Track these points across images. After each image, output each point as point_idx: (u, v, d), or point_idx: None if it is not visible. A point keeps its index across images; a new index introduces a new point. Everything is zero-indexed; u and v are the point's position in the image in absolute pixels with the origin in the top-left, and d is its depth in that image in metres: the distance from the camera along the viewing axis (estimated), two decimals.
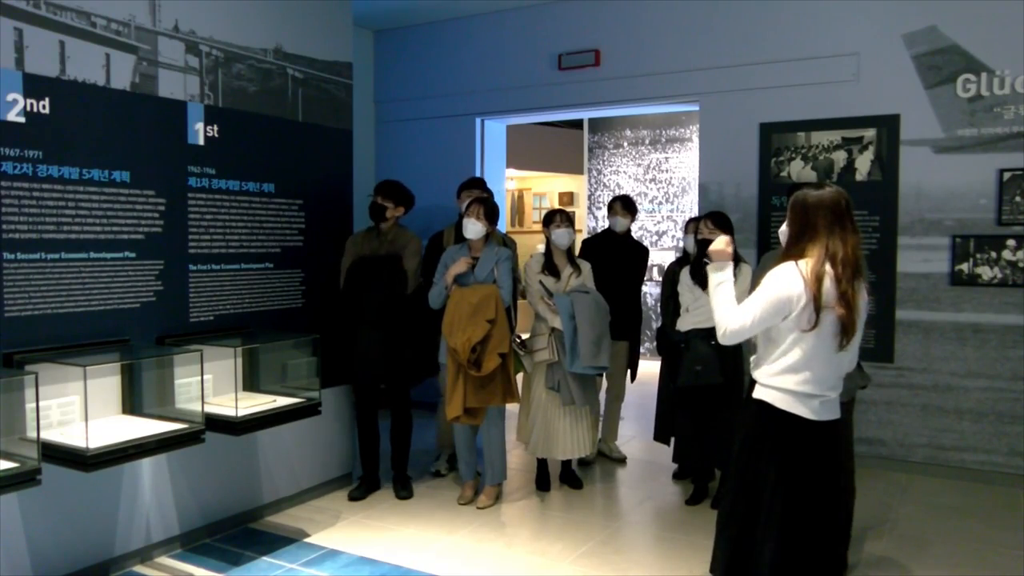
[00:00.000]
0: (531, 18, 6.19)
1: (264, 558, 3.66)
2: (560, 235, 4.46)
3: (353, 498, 4.44)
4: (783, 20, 5.27)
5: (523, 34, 6.23)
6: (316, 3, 4.38)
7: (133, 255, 3.45)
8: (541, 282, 4.43)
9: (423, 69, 6.71)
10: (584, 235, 8.39)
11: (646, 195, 9.18)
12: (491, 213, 4.28)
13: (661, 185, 9.18)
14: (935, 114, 4.86)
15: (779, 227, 2.64)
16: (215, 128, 3.80)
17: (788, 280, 2.41)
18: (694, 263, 4.38)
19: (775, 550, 2.47)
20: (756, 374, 2.57)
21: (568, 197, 12.12)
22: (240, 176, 3.94)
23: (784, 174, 5.30)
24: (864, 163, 5.07)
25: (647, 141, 9.21)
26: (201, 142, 3.75)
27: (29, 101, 3.05)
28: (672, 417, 4.49)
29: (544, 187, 12.49)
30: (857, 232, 2.46)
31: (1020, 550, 3.79)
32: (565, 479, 4.71)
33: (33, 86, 3.07)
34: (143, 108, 3.48)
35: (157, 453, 3.26)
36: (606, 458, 5.28)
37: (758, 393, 2.54)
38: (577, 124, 9.80)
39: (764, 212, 5.35)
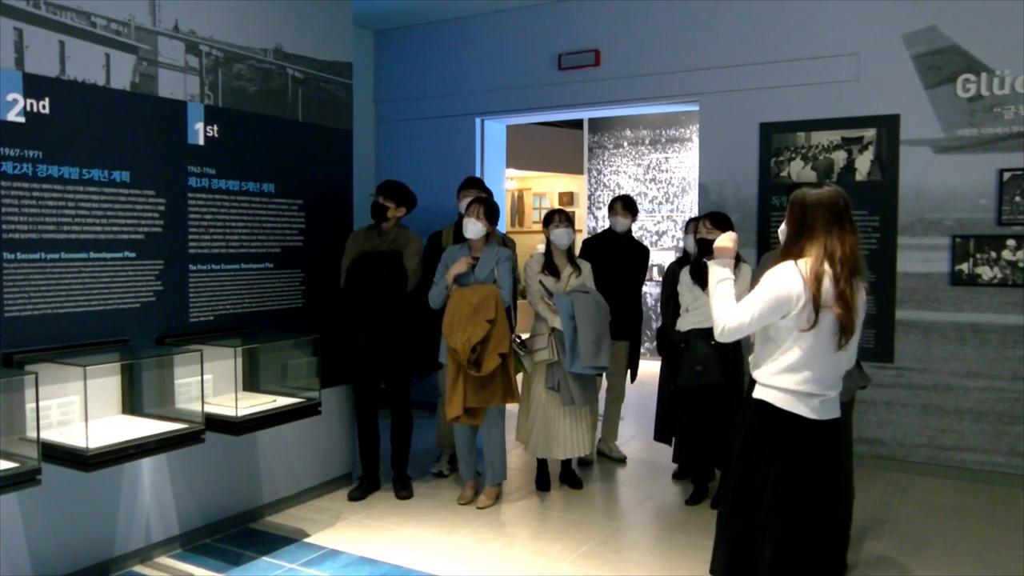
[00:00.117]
0: (531, 18, 6.19)
1: (264, 558, 3.66)
2: (559, 235, 4.46)
3: (353, 498, 4.44)
4: (783, 20, 5.27)
5: (523, 34, 6.23)
6: (316, 3, 4.39)
7: (133, 255, 3.45)
8: (541, 282, 4.43)
9: (423, 69, 6.71)
10: (584, 235, 8.39)
11: (646, 195, 9.18)
12: (491, 213, 4.28)
13: (661, 185, 9.18)
14: (935, 114, 4.86)
15: (779, 227, 2.64)
16: (215, 128, 3.80)
17: (788, 279, 2.41)
18: (694, 263, 4.38)
19: (775, 550, 2.47)
20: (756, 374, 2.57)
21: (568, 197, 12.12)
22: (240, 176, 3.94)
23: (784, 174, 5.30)
24: (864, 163, 5.08)
25: (647, 141, 9.21)
26: (201, 142, 3.75)
27: (29, 101, 3.05)
28: (672, 417, 4.49)
29: (544, 187, 12.49)
30: (856, 231, 2.46)
31: (1020, 550, 3.79)
32: (565, 479, 4.71)
33: (33, 86, 3.07)
34: (143, 108, 3.48)
35: (157, 453, 3.26)
36: (606, 458, 5.28)
37: (758, 393, 2.54)
38: (577, 124, 9.80)
39: (764, 212, 5.36)
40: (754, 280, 3.20)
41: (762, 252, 5.13)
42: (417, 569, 3.56)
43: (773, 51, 5.30)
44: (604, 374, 4.98)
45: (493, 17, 6.36)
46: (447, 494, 4.55)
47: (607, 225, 5.27)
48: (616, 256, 5.05)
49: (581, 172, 9.83)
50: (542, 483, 4.65)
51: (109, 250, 3.35)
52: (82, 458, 2.87)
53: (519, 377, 4.48)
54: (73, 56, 3.21)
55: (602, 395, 5.23)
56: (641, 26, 5.78)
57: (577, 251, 4.83)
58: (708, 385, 4.13)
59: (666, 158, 9.13)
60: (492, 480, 4.43)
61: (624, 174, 9.35)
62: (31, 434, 2.80)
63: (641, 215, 8.71)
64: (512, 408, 4.59)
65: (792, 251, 2.47)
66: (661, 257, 8.80)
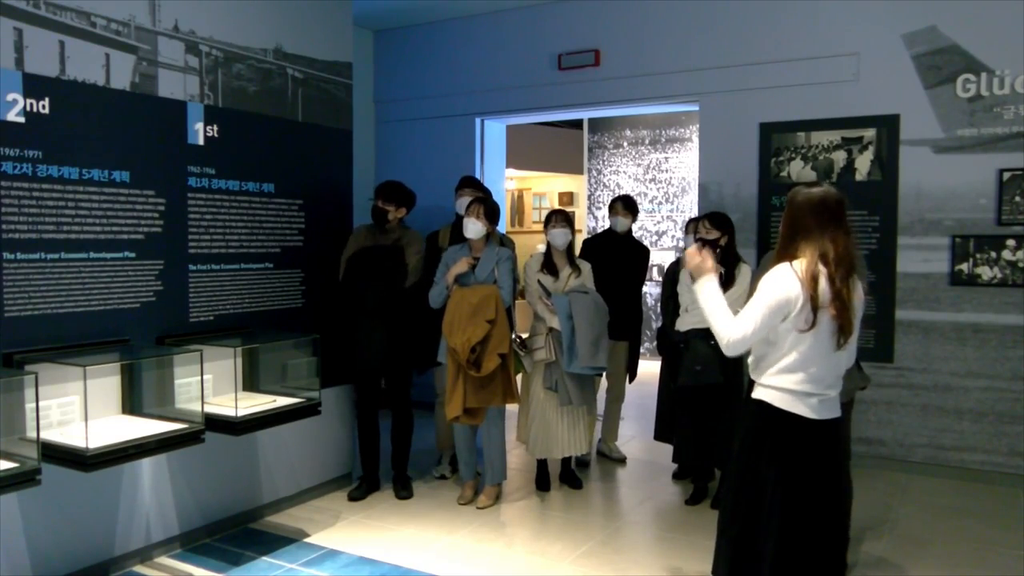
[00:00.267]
0: (531, 18, 6.19)
1: (264, 558, 3.66)
2: (556, 235, 4.46)
3: (353, 498, 4.44)
4: (783, 20, 5.27)
5: (523, 34, 6.23)
6: (316, 3, 4.38)
7: (133, 255, 3.45)
8: (539, 282, 4.43)
9: (423, 69, 6.71)
10: (584, 235, 8.39)
11: (646, 195, 9.18)
12: (491, 213, 4.28)
13: (661, 185, 9.18)
14: (935, 114, 4.86)
15: (778, 227, 2.63)
16: (215, 128, 3.80)
17: (785, 282, 2.41)
18: None
19: (776, 550, 2.47)
20: (755, 374, 2.57)
21: (568, 197, 12.12)
22: (240, 176, 3.94)
23: (784, 174, 5.30)
24: (864, 163, 5.07)
25: (647, 141, 9.21)
26: (201, 142, 3.75)
27: (29, 101, 3.05)
28: (673, 417, 4.49)
29: (544, 187, 12.49)
30: (850, 231, 2.45)
31: (1020, 550, 3.79)
32: (565, 479, 4.71)
33: (33, 86, 3.07)
34: (143, 108, 3.48)
35: (157, 453, 3.26)
36: (606, 458, 5.28)
37: (757, 393, 2.54)
38: (577, 124, 9.80)
39: (764, 212, 5.35)
40: (754, 281, 3.20)
41: (762, 252, 5.13)
42: (417, 569, 3.56)
43: (773, 51, 5.30)
44: (604, 374, 4.98)
45: (493, 17, 6.36)
46: (447, 494, 4.55)
47: (607, 225, 5.27)
48: (616, 256, 5.05)
49: (581, 172, 9.83)
50: (542, 483, 4.65)
51: (109, 250, 3.35)
52: (82, 458, 2.87)
53: (519, 377, 4.48)
54: (73, 56, 3.21)
55: (602, 395, 5.23)
56: (641, 26, 5.78)
57: (577, 251, 4.83)
58: (708, 385, 4.12)
59: (666, 158, 9.13)
60: (492, 480, 4.43)
61: (624, 174, 9.35)
62: (31, 434, 2.80)
63: (641, 215, 8.69)
64: (512, 408, 4.59)
65: (787, 252, 2.47)
66: (661, 257, 8.80)
